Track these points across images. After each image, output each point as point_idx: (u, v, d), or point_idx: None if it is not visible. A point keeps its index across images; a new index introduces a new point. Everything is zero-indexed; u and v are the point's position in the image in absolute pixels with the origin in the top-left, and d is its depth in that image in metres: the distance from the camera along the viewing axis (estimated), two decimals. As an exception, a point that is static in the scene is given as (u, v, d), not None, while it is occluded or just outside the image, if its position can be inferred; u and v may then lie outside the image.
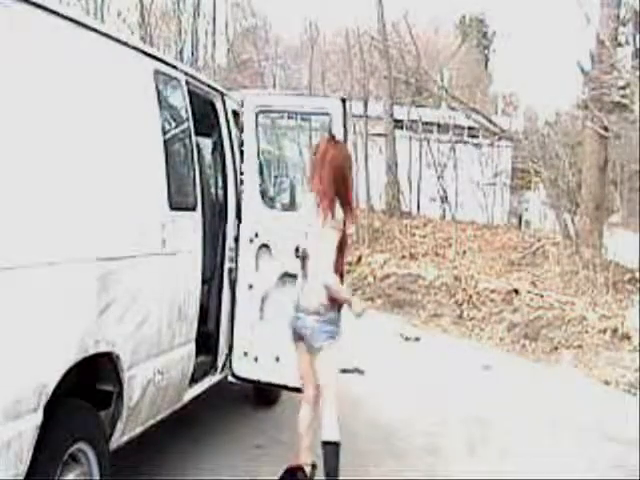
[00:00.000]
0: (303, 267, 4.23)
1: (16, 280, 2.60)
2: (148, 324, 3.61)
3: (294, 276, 4.64)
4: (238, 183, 5.20)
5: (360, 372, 7.69)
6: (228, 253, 5.00)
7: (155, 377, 3.73)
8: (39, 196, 2.78)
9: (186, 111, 4.38)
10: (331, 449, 4.19)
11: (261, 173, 5.21)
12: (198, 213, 4.32)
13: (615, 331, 9.33)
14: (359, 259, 14.92)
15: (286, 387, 4.98)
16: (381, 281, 13.17)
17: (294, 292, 4.32)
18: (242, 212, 4.93)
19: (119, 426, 3.48)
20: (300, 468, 4.35)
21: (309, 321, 4.12)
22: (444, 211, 19.63)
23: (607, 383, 8.11)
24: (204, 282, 4.58)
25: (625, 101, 12.98)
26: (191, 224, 4.20)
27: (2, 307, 2.53)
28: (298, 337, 4.21)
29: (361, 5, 27.43)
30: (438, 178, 19.60)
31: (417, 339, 9.87)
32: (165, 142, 3.94)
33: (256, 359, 4.93)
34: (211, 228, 4.86)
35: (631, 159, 18.29)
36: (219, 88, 5.40)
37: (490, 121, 17.86)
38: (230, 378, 5.08)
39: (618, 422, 6.59)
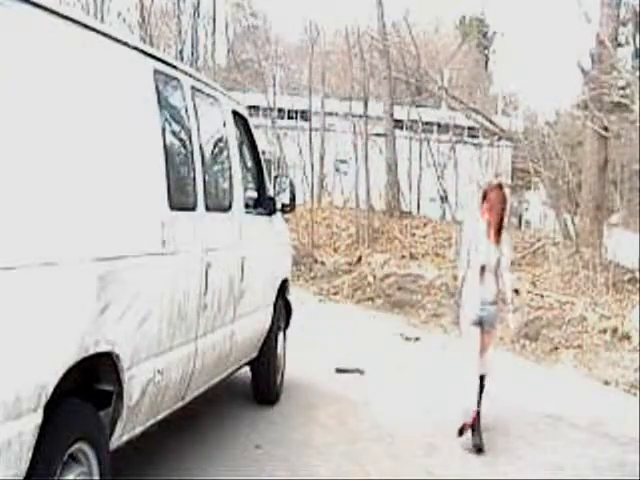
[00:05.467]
0: (482, 274, 5.74)
1: (16, 280, 2.60)
2: (148, 324, 3.61)
3: None
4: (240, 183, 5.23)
5: (360, 372, 7.70)
6: None
7: (155, 377, 3.73)
8: (39, 196, 2.78)
9: (186, 111, 4.38)
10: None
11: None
12: (198, 213, 4.33)
13: (615, 331, 9.33)
14: (359, 259, 14.93)
15: None
16: (381, 281, 13.17)
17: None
18: None
19: (119, 426, 3.48)
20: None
21: (492, 310, 5.84)
22: (444, 211, 19.66)
23: (607, 383, 8.11)
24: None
25: (625, 101, 12.98)
26: (191, 224, 4.20)
27: (2, 307, 2.53)
28: (480, 321, 5.76)
29: (361, 5, 27.45)
30: (438, 178, 19.63)
31: (417, 339, 9.88)
32: (165, 142, 3.94)
33: None
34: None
35: (631, 159, 18.28)
36: (219, 88, 5.40)
37: (490, 121, 17.86)
38: None
39: (618, 422, 6.59)
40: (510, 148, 22.66)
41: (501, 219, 5.82)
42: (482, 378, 5.83)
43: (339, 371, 7.64)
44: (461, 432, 5.65)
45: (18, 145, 2.69)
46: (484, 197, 5.87)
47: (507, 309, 6.06)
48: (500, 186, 6.07)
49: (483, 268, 5.75)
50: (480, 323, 5.76)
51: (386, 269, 13.76)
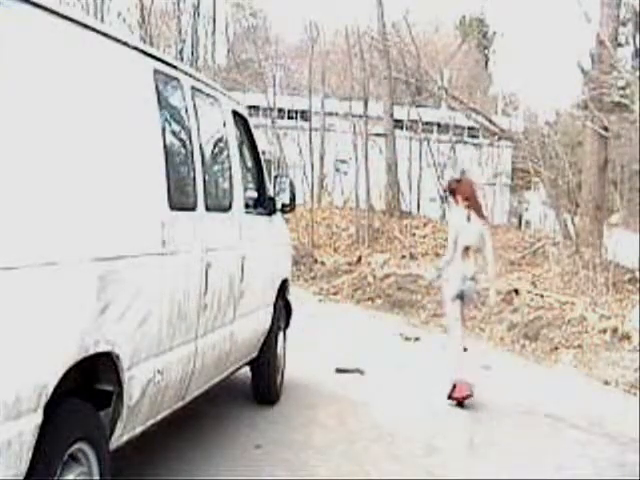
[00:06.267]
0: (465, 253, 6.58)
1: (16, 280, 2.60)
2: (148, 324, 3.61)
3: None
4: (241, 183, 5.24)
5: (360, 372, 7.70)
6: None
7: (155, 377, 3.73)
8: (39, 196, 2.78)
9: (186, 111, 4.38)
10: None
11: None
12: (198, 213, 4.33)
13: (615, 331, 9.32)
14: (359, 259, 14.94)
15: None
16: (381, 281, 13.17)
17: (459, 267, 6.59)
18: None
19: (119, 426, 3.48)
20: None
21: (472, 285, 6.67)
22: (444, 211, 19.65)
23: (607, 383, 8.11)
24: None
25: (625, 101, 12.99)
26: (191, 224, 4.20)
27: (2, 307, 2.53)
28: (461, 295, 6.59)
29: (361, 5, 27.46)
30: (438, 178, 19.63)
31: (417, 339, 9.88)
32: (165, 142, 3.94)
33: None
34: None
35: (631, 159, 18.29)
36: (219, 88, 5.40)
37: (490, 121, 17.88)
38: None
39: (618, 422, 6.59)
40: (510, 148, 22.68)
41: (478, 201, 6.87)
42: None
43: (339, 371, 7.63)
44: (450, 397, 6.57)
45: (18, 145, 2.69)
46: (452, 191, 6.89)
47: (490, 283, 7.19)
48: (461, 178, 7.42)
49: (467, 248, 6.63)
50: (461, 297, 6.65)
51: (386, 269, 13.77)
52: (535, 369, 8.78)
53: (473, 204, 6.69)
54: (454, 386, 6.55)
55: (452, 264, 6.68)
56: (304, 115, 22.28)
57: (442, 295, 6.98)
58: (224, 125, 5.25)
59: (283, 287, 6.38)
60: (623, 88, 13.19)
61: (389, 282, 12.99)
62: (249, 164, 5.99)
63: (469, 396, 6.51)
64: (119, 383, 3.39)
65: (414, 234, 16.16)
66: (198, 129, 4.47)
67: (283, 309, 6.51)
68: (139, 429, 3.79)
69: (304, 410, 6.24)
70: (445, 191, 7.06)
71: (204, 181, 4.46)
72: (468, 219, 6.65)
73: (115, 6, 24.20)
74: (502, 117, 24.03)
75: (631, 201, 20.38)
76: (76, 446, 3.04)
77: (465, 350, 6.71)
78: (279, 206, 6.14)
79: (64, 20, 3.07)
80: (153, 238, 3.69)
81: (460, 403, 6.58)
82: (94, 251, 3.11)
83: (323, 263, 15.00)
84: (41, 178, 2.81)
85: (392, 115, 18.15)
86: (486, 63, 39.59)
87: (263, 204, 5.93)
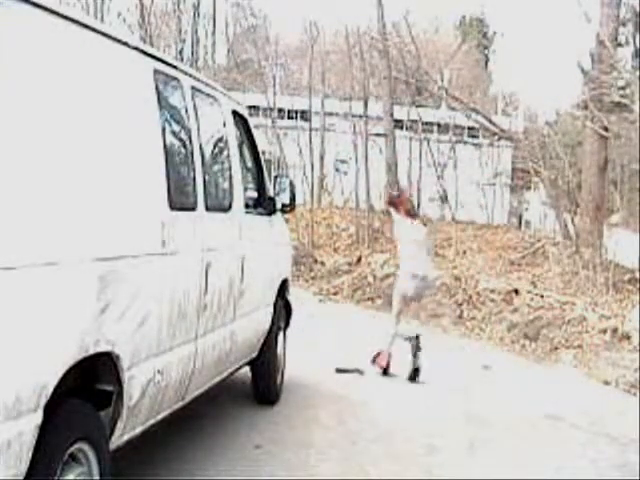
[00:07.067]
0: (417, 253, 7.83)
1: (16, 280, 2.60)
2: (148, 324, 3.60)
3: None
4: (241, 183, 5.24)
5: (360, 372, 7.70)
6: None
7: (155, 377, 3.73)
8: (39, 196, 2.78)
9: (186, 111, 4.38)
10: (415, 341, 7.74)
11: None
12: (198, 213, 4.33)
13: (615, 331, 9.32)
14: (359, 259, 14.92)
15: None
16: (381, 281, 13.17)
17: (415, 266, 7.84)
18: None
19: (119, 426, 3.48)
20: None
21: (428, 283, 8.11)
22: (444, 211, 19.65)
23: (607, 383, 8.11)
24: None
25: (625, 101, 12.99)
26: (191, 224, 4.20)
27: (2, 307, 2.53)
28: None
29: (361, 5, 27.47)
30: (438, 178, 19.62)
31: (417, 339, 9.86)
32: (165, 142, 3.94)
33: None
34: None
35: (631, 159, 18.30)
36: (219, 88, 5.40)
37: (490, 121, 17.86)
38: None
39: (618, 422, 6.59)
40: (510, 148, 22.66)
41: (415, 211, 8.39)
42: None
43: (339, 371, 7.64)
44: (374, 361, 7.69)
45: (18, 145, 2.69)
46: (394, 204, 8.23)
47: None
48: (400, 193, 9.45)
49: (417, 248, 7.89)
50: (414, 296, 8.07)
51: (386, 269, 13.75)
52: (535, 369, 8.78)
53: (412, 213, 8.18)
54: (378, 354, 7.62)
55: (408, 262, 7.98)
56: (304, 115, 22.26)
57: (399, 288, 8.05)
58: (224, 125, 5.25)
59: (283, 287, 6.38)
60: (623, 88, 13.20)
61: (389, 282, 12.94)
62: (249, 164, 5.99)
63: (387, 366, 7.64)
64: (119, 383, 3.39)
65: (414, 234, 16.11)
66: (198, 129, 4.47)
67: (283, 309, 6.51)
68: (139, 429, 3.79)
69: (304, 410, 6.24)
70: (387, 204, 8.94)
71: (204, 181, 4.45)
72: (411, 222, 8.03)
73: (115, 6, 24.29)
74: (502, 117, 24.02)
75: (631, 201, 20.40)
76: (76, 446, 3.04)
77: (417, 338, 7.74)
78: (279, 206, 6.14)
79: (64, 20, 3.07)
80: (153, 238, 3.69)
81: (385, 371, 7.64)
82: (94, 251, 3.11)
83: (323, 263, 15.00)
84: (41, 178, 2.81)
85: (392, 115, 18.12)
86: (486, 63, 39.60)
87: (263, 204, 5.93)
